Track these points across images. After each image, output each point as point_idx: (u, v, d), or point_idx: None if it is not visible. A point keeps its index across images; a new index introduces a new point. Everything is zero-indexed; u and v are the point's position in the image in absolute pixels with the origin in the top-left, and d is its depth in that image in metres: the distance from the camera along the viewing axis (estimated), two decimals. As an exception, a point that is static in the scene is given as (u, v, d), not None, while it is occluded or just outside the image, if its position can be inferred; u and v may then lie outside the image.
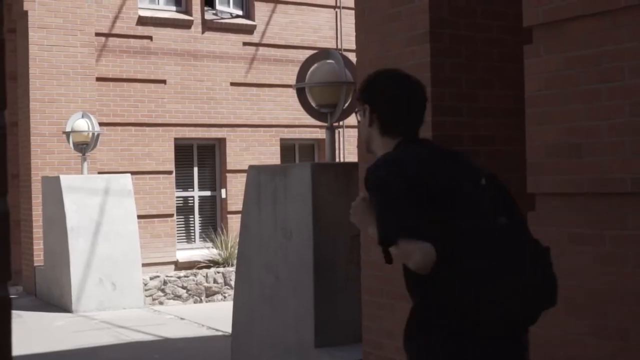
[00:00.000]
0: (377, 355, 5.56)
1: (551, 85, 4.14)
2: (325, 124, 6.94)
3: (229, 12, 15.75)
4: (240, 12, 15.93)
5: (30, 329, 10.47)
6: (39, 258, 12.97)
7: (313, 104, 6.95)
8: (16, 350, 6.76)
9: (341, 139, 15.98)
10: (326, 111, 6.89)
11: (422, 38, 5.10)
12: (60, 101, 13.23)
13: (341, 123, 15.51)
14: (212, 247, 14.65)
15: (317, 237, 6.18)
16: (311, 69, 6.96)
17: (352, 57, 6.41)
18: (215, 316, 10.73)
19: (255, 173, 6.96)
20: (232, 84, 15.56)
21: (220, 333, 9.49)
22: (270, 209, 6.66)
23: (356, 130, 6.14)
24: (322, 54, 7.02)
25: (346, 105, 6.87)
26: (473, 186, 3.11)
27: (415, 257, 2.96)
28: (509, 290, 2.93)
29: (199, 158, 15.63)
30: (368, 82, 3.43)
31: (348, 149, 16.16)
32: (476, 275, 2.93)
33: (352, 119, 8.78)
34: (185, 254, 14.50)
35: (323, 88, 6.80)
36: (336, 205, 6.26)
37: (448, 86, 5.11)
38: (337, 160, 12.13)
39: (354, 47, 5.98)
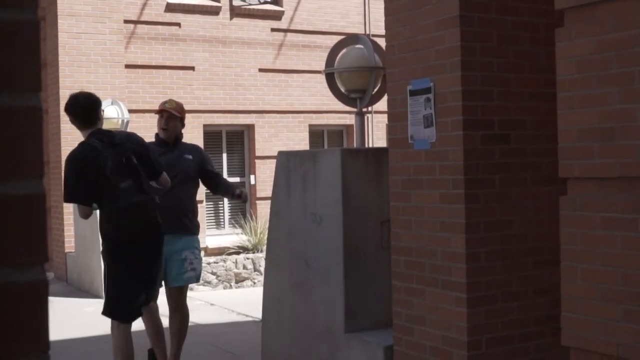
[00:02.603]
0: (408, 340, 5.55)
1: (583, 68, 4.10)
2: (355, 110, 6.92)
3: (257, -2, 15.74)
4: (268, -2, 15.92)
5: (61, 314, 10.55)
6: (69, 244, 13.07)
7: (342, 90, 6.93)
8: (50, 336, 6.74)
9: (370, 124, 15.95)
10: (355, 96, 6.87)
11: (452, 22, 5.06)
12: (90, 88, 13.15)
13: (370, 109, 15.50)
14: (242, 233, 14.69)
15: (346, 223, 6.17)
16: (340, 54, 6.94)
17: (381, 42, 6.39)
18: (245, 302, 10.76)
19: (285, 159, 6.96)
20: (261, 70, 15.57)
21: (250, 319, 9.52)
22: (300, 194, 6.66)
23: (386, 115, 6.13)
24: (351, 39, 7.00)
25: (375, 90, 6.84)
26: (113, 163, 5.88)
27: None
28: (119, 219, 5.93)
29: (227, 144, 15.66)
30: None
31: (377, 134, 16.13)
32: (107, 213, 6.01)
33: (381, 105, 8.76)
34: (214, 240, 14.54)
35: (352, 73, 6.78)
36: (366, 190, 6.24)
37: (479, 70, 5.07)
38: (366, 145, 12.12)
39: (382, 32, 5.96)
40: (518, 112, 5.22)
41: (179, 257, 6.75)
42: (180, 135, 7.02)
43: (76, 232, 12.69)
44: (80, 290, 12.27)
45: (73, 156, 6.04)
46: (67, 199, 6.14)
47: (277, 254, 7.05)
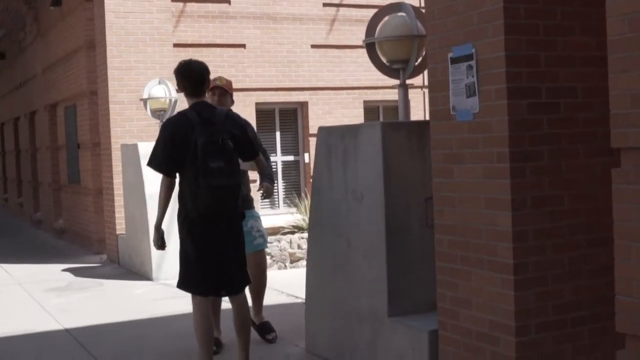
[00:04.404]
0: (453, 325, 5.21)
1: (637, 27, 3.70)
2: (398, 81, 6.55)
3: (308, -27, 15.39)
4: (319, -28, 15.56)
5: (111, 297, 10.43)
6: (120, 226, 12.95)
7: (384, 60, 6.57)
8: (96, 319, 6.62)
9: (425, 99, 15.51)
10: (398, 67, 6.50)
11: (494, -18, 4.68)
12: (138, 68, 13.11)
13: (424, 83, 15.06)
14: (296, 213, 14.43)
15: (388, 200, 5.84)
16: (381, 22, 6.58)
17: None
18: (296, 283, 10.47)
19: (325, 134, 6.65)
20: (313, 46, 15.26)
21: (299, 300, 9.27)
22: (341, 171, 6.35)
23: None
24: (393, 6, 6.61)
25: (419, 60, 6.47)
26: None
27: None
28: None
29: (281, 122, 15.39)
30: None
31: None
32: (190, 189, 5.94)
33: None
34: (269, 220, 14.27)
35: (393, 42, 6.40)
36: (409, 165, 5.90)
37: (524, 34, 4.68)
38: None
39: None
40: (568, 79, 4.82)
41: (246, 228, 6.68)
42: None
43: (126, 214, 12.56)
44: (131, 273, 12.14)
45: (167, 124, 6.18)
46: (148, 163, 6.14)
47: (318, 234, 6.77)
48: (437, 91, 5.27)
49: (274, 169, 14.93)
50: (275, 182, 14.93)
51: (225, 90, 7.17)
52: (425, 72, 5.84)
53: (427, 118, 5.53)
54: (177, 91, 11.58)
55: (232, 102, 7.31)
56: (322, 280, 6.71)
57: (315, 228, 6.83)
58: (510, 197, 4.68)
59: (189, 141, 5.91)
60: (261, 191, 7.38)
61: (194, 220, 6.03)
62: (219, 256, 6.13)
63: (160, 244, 6.26)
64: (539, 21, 4.72)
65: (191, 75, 6.20)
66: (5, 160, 26.58)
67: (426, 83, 14.07)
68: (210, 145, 5.91)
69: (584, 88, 4.87)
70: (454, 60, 5.05)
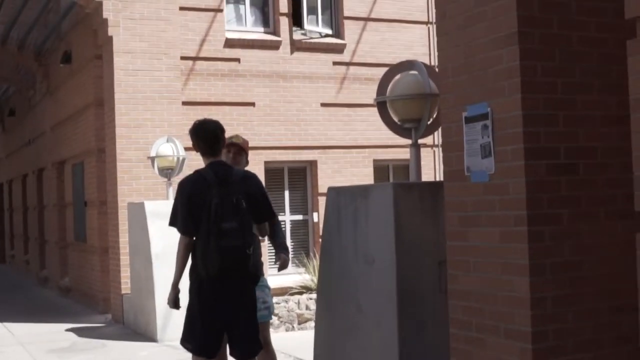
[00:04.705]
0: (468, 395, 4.97)
1: (661, 85, 3.54)
2: (409, 140, 6.39)
3: (318, 32, 15.38)
4: (329, 31, 15.55)
5: (114, 359, 10.17)
6: (126, 285, 12.74)
7: (395, 119, 6.41)
8: None
9: (437, 159, 15.36)
10: (410, 126, 6.34)
11: (510, 39, 4.53)
12: (147, 126, 13.02)
13: (436, 142, 14.93)
14: (305, 273, 14.21)
15: (400, 263, 5.63)
16: (392, 81, 6.44)
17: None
18: (305, 346, 10.20)
19: (335, 195, 6.47)
20: (323, 104, 15.18)
21: (306, 364, 9.02)
22: (351, 233, 6.16)
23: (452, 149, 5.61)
24: (405, 64, 6.48)
25: (431, 119, 6.31)
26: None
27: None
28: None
29: (289, 181, 15.24)
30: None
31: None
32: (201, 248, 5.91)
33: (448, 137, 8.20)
34: (277, 280, 14.04)
35: (405, 101, 6.24)
36: (421, 228, 5.70)
37: (541, 92, 4.52)
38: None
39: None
40: (587, 139, 4.64)
41: None
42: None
43: (132, 273, 12.35)
44: (136, 333, 11.89)
45: (184, 183, 6.16)
46: (170, 224, 6.18)
47: (327, 297, 6.55)
48: (451, 151, 5.10)
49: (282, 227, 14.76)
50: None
51: (241, 149, 7.01)
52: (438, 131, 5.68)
53: (439, 178, 5.35)
54: (186, 149, 11.54)
55: (247, 162, 7.13)
56: (331, 344, 6.48)
57: (324, 291, 6.62)
58: (528, 262, 4.47)
59: (205, 201, 5.89)
60: (278, 262, 7.05)
61: (203, 279, 5.98)
62: (226, 318, 6.04)
63: (175, 303, 6.20)
64: (557, 79, 4.56)
65: (206, 135, 6.19)
66: (13, 217, 26.46)
67: (438, 142, 13.95)
68: (223, 206, 5.90)
69: (604, 148, 4.69)
70: (469, 120, 4.89)
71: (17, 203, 25.11)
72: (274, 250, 7.29)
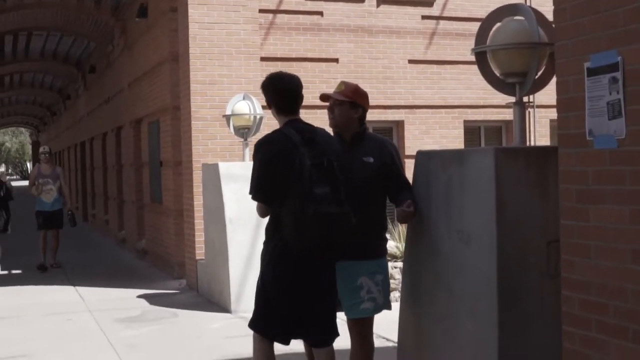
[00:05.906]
0: (584, 406, 4.12)
1: None
2: (513, 98, 5.49)
3: (406, -17, 14.44)
4: (418, -18, 14.60)
5: (183, 331, 9.56)
6: (200, 251, 12.12)
7: (497, 73, 5.51)
8: (162, 358, 5.48)
9: (532, 120, 14.34)
10: (514, 81, 5.42)
11: (651, -30, 3.62)
12: (223, 82, 12.30)
13: (531, 100, 13.89)
14: (390, 239, 13.44)
15: (502, 243, 4.78)
16: (494, 28, 5.53)
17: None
18: (388, 321, 9.46)
19: (425, 160, 5.63)
20: (410, 61, 14.36)
21: (390, 344, 8.26)
22: (443, 205, 5.32)
23: (551, 110, 4.74)
24: (509, 9, 5.56)
25: (540, 73, 5.40)
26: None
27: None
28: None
29: (376, 142, 14.42)
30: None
31: (540, 131, 14.48)
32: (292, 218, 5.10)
33: (545, 96, 7.26)
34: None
35: (509, 52, 5.32)
36: (528, 202, 4.83)
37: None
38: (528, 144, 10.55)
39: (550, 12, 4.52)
40: None
41: (353, 284, 5.58)
42: (358, 129, 5.75)
43: (206, 239, 11.71)
44: (210, 302, 11.27)
45: (264, 145, 5.34)
46: (250, 193, 5.38)
47: (415, 278, 5.75)
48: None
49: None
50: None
51: (337, 100, 5.71)
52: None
53: (543, 143, 4.46)
54: (263, 108, 10.80)
55: (357, 112, 5.73)
56: (419, 334, 5.68)
57: (411, 270, 5.83)
58: (668, 249, 3.60)
59: (293, 163, 5.11)
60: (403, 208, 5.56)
61: (288, 254, 5.24)
62: (301, 299, 5.33)
63: None
64: None
65: (283, 89, 5.41)
66: (94, 176, 26.27)
67: (533, 100, 12.79)
68: (315, 169, 5.09)
69: None
70: (592, 72, 4.01)
71: (98, 162, 24.85)
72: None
